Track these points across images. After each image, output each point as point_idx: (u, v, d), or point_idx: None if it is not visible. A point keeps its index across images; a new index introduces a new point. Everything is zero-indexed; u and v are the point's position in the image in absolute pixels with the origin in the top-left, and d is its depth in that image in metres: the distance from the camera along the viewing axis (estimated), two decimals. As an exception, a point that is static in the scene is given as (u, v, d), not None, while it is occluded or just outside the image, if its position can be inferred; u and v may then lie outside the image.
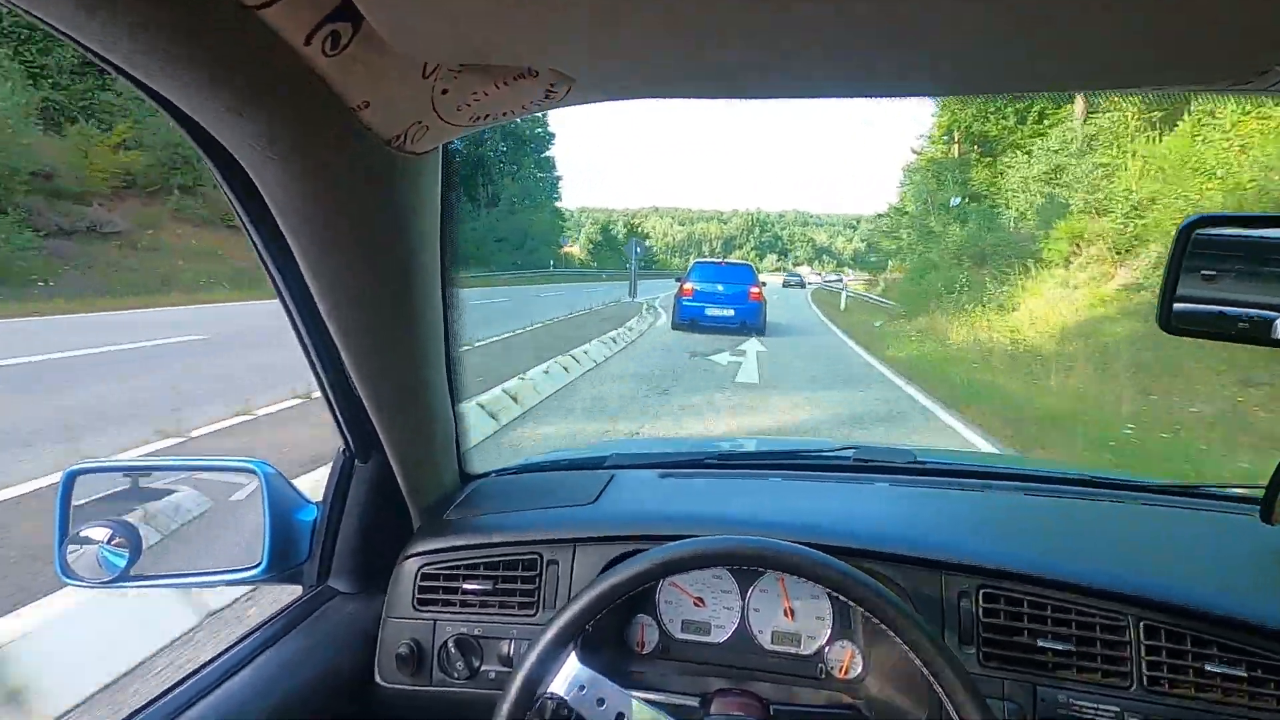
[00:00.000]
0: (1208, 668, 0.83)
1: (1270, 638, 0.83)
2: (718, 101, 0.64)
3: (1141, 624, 0.86)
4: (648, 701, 0.75)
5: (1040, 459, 5.45)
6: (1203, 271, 0.84)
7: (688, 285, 14.06)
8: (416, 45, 0.53)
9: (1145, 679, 0.85)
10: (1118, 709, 0.84)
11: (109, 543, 0.86)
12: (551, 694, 0.73)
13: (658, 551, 0.77)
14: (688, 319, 13.84)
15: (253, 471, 0.93)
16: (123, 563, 0.86)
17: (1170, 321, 0.84)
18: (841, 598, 0.74)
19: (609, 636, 1.02)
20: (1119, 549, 1.00)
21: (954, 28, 0.47)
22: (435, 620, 1.00)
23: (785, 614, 1.00)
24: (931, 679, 0.68)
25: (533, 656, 0.73)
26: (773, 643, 1.00)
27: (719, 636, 1.01)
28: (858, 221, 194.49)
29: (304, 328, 0.82)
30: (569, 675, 0.74)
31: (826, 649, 0.99)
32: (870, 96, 0.60)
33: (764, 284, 15.01)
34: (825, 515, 1.09)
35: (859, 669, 0.97)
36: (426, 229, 0.77)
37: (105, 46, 0.47)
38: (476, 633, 0.99)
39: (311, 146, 0.60)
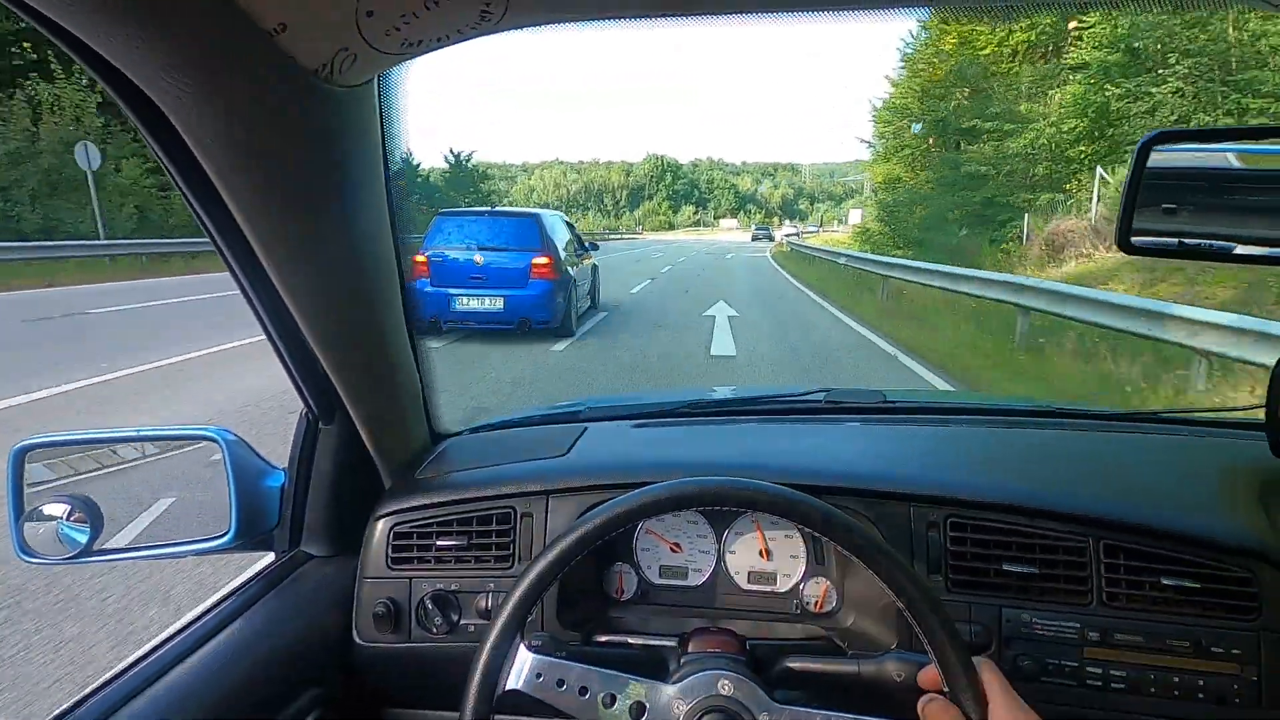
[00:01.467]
0: (1163, 581, 0.88)
1: (1221, 550, 0.88)
2: (664, 27, 0.59)
3: (1101, 544, 0.90)
4: (614, 646, 0.78)
5: (1007, 395, 5.56)
6: (1163, 205, 0.84)
7: (421, 257, 8.49)
8: None
9: (1104, 595, 0.89)
10: (1078, 624, 0.89)
11: (68, 518, 0.86)
12: (510, 690, 0.72)
13: (617, 502, 0.75)
14: (428, 319, 8.23)
15: (213, 439, 0.93)
16: (84, 538, 0.86)
17: (1129, 242, 0.83)
18: (812, 532, 0.74)
19: (588, 586, 1.03)
20: (1082, 475, 1.04)
21: None
22: (411, 578, 1.02)
23: (761, 554, 1.03)
24: (902, 606, 0.68)
25: (484, 656, 0.71)
26: (749, 582, 1.03)
27: (696, 580, 1.04)
28: (775, 170, 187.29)
29: (249, 286, 0.80)
30: (521, 667, 0.73)
31: (802, 585, 1.01)
32: (847, 11, 0.56)
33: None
34: (796, 455, 1.12)
35: (834, 603, 1.00)
36: (368, 170, 0.73)
37: None
38: (454, 588, 1.01)
39: (229, 78, 0.56)
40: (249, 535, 0.96)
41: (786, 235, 53.10)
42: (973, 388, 6.14)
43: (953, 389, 6.07)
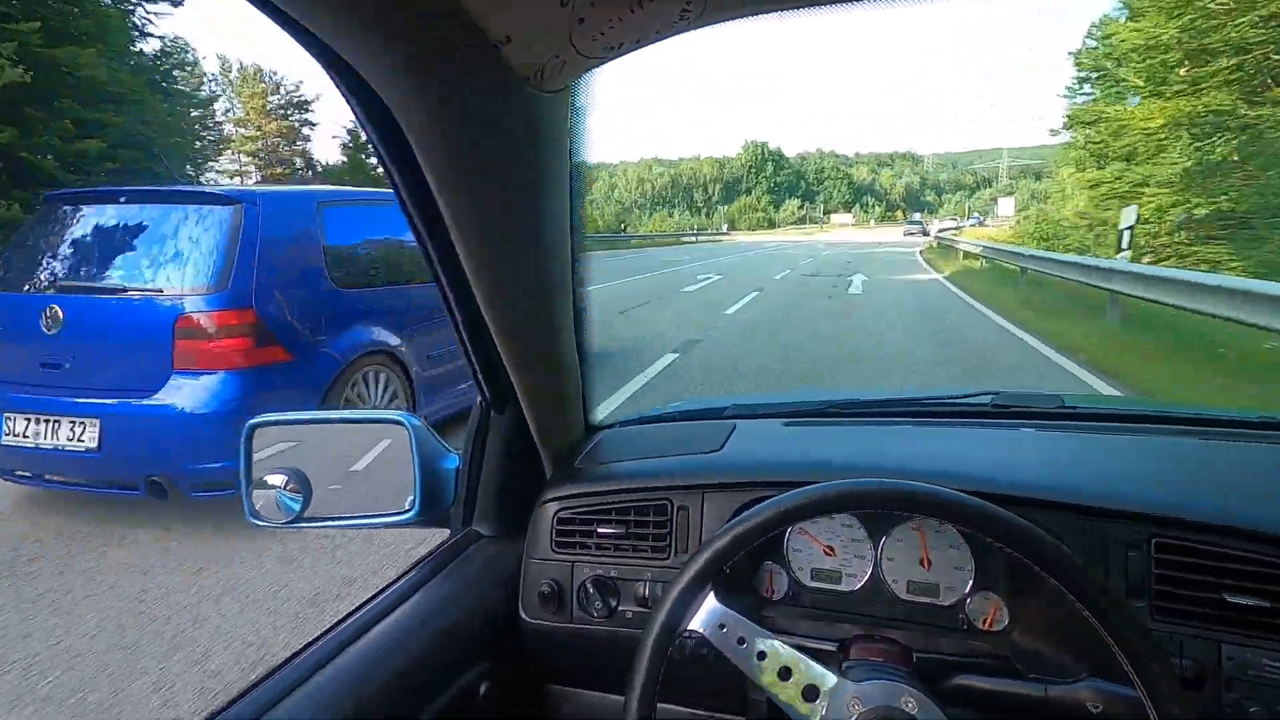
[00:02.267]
0: None
1: None
2: (860, 11, 0.58)
3: None
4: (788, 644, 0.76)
5: (1206, 403, 4.97)
6: None
7: None
8: None
9: None
10: None
11: (285, 488, 0.98)
12: (691, 632, 0.75)
13: (801, 492, 0.76)
14: None
15: (400, 424, 1.03)
16: (298, 506, 0.98)
17: None
18: (998, 545, 0.71)
19: (740, 582, 1.04)
20: None
21: None
22: (573, 562, 1.07)
23: (922, 563, 0.98)
24: (1104, 631, 0.64)
25: (674, 594, 0.75)
26: (908, 592, 0.98)
27: (850, 585, 1.00)
28: (892, 159, 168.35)
29: (444, 277, 0.86)
30: (708, 614, 0.76)
31: (968, 600, 0.95)
32: None
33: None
34: (966, 461, 1.05)
35: (1004, 621, 0.93)
36: (558, 170, 0.77)
37: None
38: (612, 574, 1.05)
39: (455, 85, 0.61)
40: (429, 512, 1.04)
41: (940, 232, 43.89)
42: None
43: (1141, 396, 5.43)
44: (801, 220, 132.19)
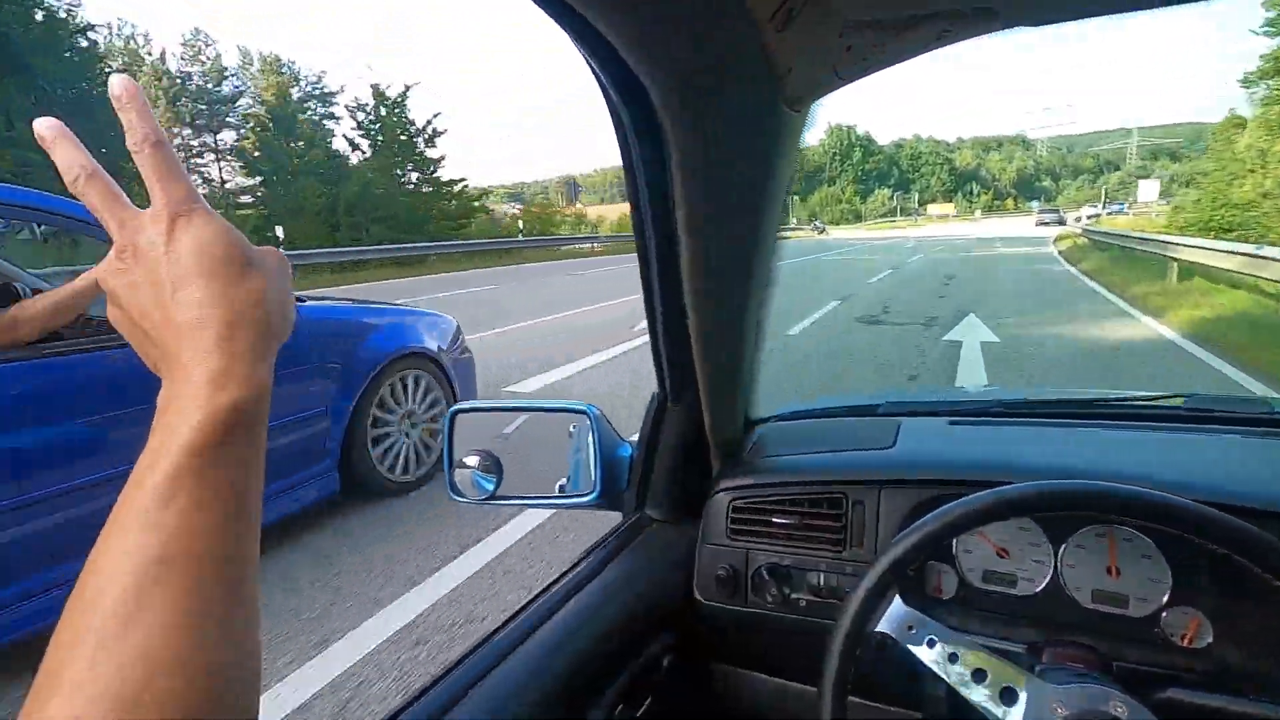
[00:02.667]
0: None
1: None
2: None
3: None
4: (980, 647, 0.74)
5: None
6: None
7: None
8: (844, 6, 0.53)
9: None
10: None
11: (480, 469, 1.05)
12: (879, 632, 0.76)
13: (1003, 491, 0.74)
14: None
15: (584, 413, 1.08)
16: (491, 485, 1.05)
17: None
18: (1222, 552, 0.67)
19: (907, 581, 1.01)
20: None
21: None
22: (748, 549, 1.10)
23: (1109, 572, 0.92)
24: None
25: (861, 594, 0.76)
26: (1092, 601, 0.93)
27: (1026, 589, 0.97)
28: (999, 144, 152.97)
29: (656, 273, 0.89)
30: (895, 615, 0.76)
31: (1164, 613, 0.89)
32: None
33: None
34: (1160, 466, 1.00)
35: (1207, 638, 0.87)
36: (780, 184, 0.79)
37: None
38: (787, 563, 1.07)
39: (729, 105, 0.64)
40: (607, 495, 1.10)
41: (1087, 220, 39.50)
42: None
43: None
44: (890, 212, 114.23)
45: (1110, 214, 44.40)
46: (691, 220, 0.77)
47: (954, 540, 1.02)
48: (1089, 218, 39.75)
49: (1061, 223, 42.63)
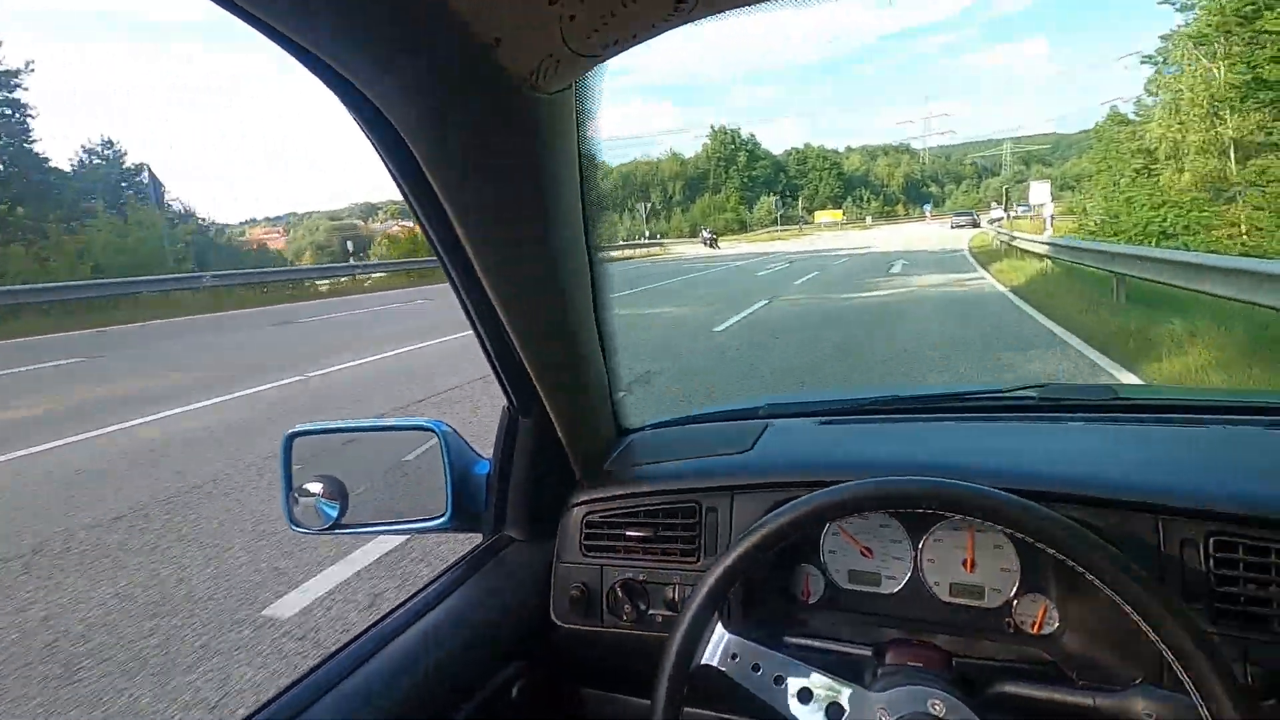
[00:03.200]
0: None
1: None
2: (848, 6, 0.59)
3: None
4: (803, 650, 0.77)
5: (1268, 389, 4.58)
6: None
7: None
8: None
9: None
10: None
11: (324, 496, 1.01)
12: (706, 665, 0.76)
13: (812, 497, 0.75)
14: None
15: (431, 430, 1.05)
16: (335, 513, 1.01)
17: None
18: (1039, 545, 0.69)
19: (773, 586, 1.05)
20: None
21: None
22: (603, 565, 1.09)
23: (965, 565, 0.96)
24: (1157, 639, 0.62)
25: (689, 614, 0.75)
26: (951, 595, 0.96)
27: (890, 587, 0.99)
28: (885, 152, 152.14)
29: (464, 289, 0.87)
30: (717, 644, 0.76)
31: (1014, 602, 0.93)
32: None
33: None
34: (1010, 456, 1.03)
35: (1054, 624, 0.91)
36: (566, 172, 0.78)
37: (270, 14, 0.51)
38: (641, 577, 1.07)
39: (454, 94, 0.62)
40: (461, 518, 1.07)
41: (994, 223, 37.50)
42: None
43: (1199, 384, 4.96)
44: (777, 221, 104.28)
45: (1016, 216, 43.23)
46: (473, 229, 0.76)
47: (820, 541, 1.04)
48: (995, 220, 40.40)
49: (975, 225, 43.79)
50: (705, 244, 45.00)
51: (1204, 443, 1.05)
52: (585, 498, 1.12)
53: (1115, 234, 17.99)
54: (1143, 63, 24.73)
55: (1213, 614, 0.79)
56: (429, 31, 0.55)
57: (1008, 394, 1.33)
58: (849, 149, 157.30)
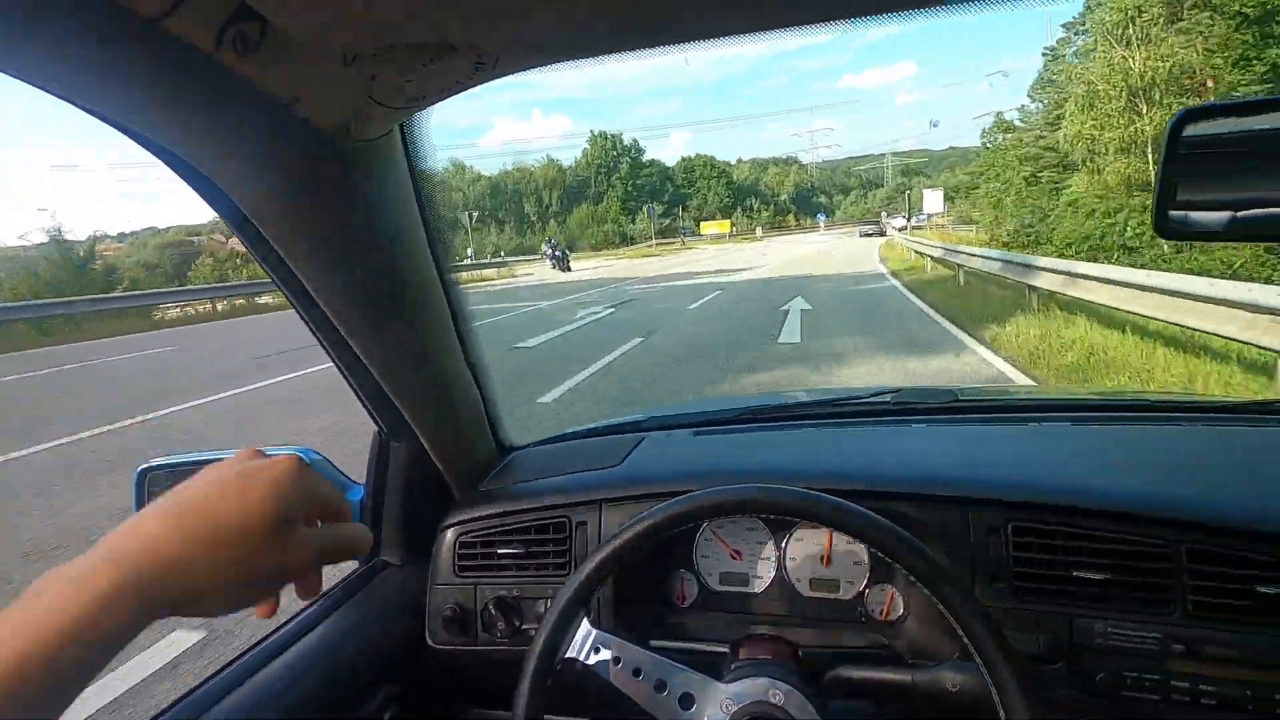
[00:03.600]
0: (1257, 589, 0.82)
1: None
2: (642, 58, 0.62)
3: (1184, 548, 0.84)
4: (669, 651, 0.80)
5: (1095, 388, 5.02)
6: (1197, 171, 0.80)
7: None
8: (325, 36, 0.55)
9: (1190, 604, 0.84)
10: (1160, 635, 0.84)
11: None
12: (569, 658, 0.79)
13: (642, 517, 0.80)
14: None
15: (298, 459, 1.02)
16: None
17: (1165, 225, 0.81)
18: (846, 535, 0.76)
19: (650, 591, 1.09)
20: (1169, 474, 0.99)
21: None
22: (476, 584, 1.09)
23: (822, 560, 1.03)
24: (946, 611, 0.69)
25: (549, 623, 0.78)
26: (811, 590, 1.04)
27: (758, 586, 1.06)
28: (774, 164, 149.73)
29: (312, 322, 0.87)
30: (583, 639, 0.79)
31: (866, 592, 1.01)
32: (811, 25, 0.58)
33: None
34: (857, 459, 1.13)
35: (899, 611, 1.00)
36: (403, 213, 0.81)
37: (91, 100, 0.54)
38: (515, 594, 1.08)
39: (259, 151, 0.64)
40: None
41: (897, 232, 35.74)
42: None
43: (1030, 384, 5.36)
44: (663, 233, 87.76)
45: (918, 224, 41.83)
46: (309, 267, 0.78)
47: (694, 546, 1.09)
48: (899, 229, 38.13)
49: (882, 234, 42.19)
50: (553, 265, 32.49)
51: (1023, 440, 1.18)
52: (458, 518, 1.12)
53: (1035, 245, 16.51)
54: (1044, 55, 23.81)
55: (1013, 591, 0.90)
56: (217, 91, 0.57)
57: (866, 399, 1.43)
58: (739, 160, 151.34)
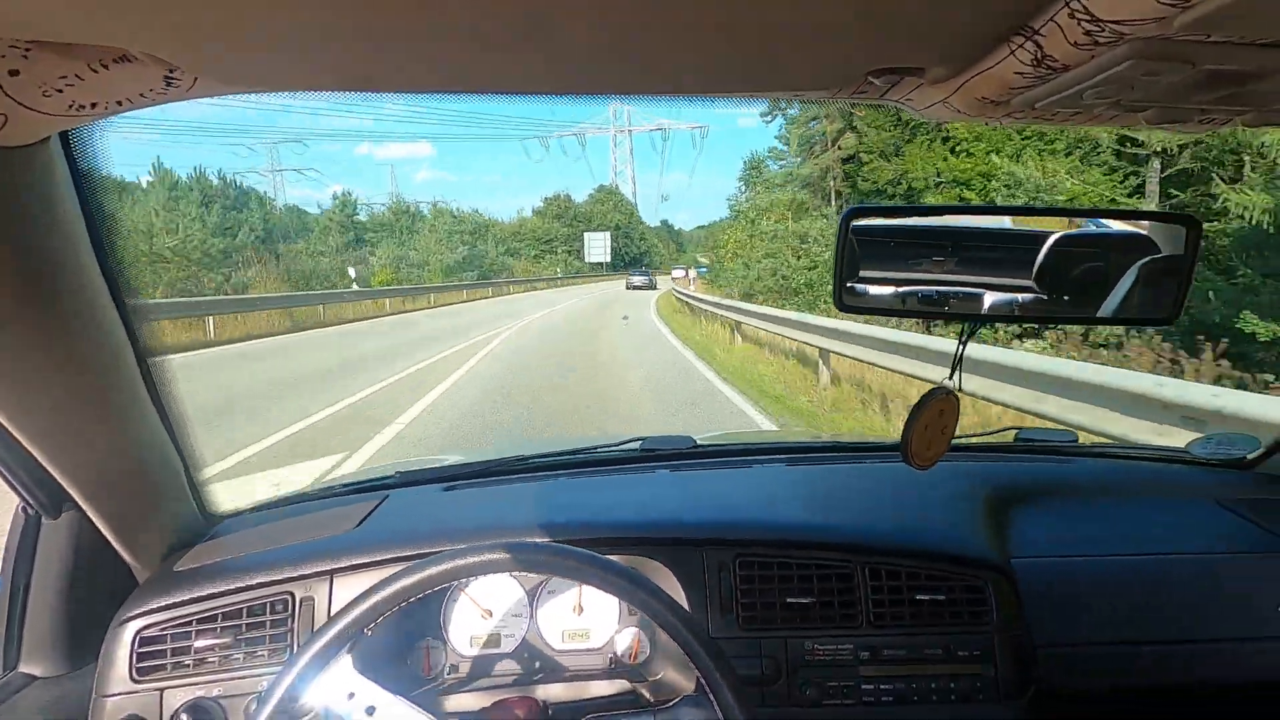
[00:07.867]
0: (917, 597, 1.02)
1: (956, 563, 1.05)
2: (357, 100, 0.63)
3: (865, 568, 1.03)
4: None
5: (808, 430, 5.86)
6: (865, 255, 0.92)
7: None
8: None
9: (872, 615, 1.01)
10: (852, 646, 1.00)
11: None
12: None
13: (378, 587, 0.76)
14: None
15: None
16: None
17: (844, 301, 0.92)
18: (602, 590, 0.79)
19: (389, 666, 1.00)
20: (848, 506, 1.19)
21: (568, 27, 0.50)
22: (162, 689, 0.92)
23: (575, 609, 1.06)
24: (681, 647, 0.75)
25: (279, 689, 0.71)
26: (563, 641, 1.05)
27: (509, 645, 1.05)
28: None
29: None
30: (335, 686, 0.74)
31: (616, 637, 1.06)
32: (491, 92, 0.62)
33: None
34: (605, 509, 1.18)
35: (646, 652, 1.06)
36: (66, 234, 0.69)
37: None
38: (216, 694, 0.92)
39: None
40: None
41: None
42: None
43: (767, 429, 6.01)
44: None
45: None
46: None
47: (440, 612, 1.04)
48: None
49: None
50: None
51: (746, 481, 1.35)
52: (141, 609, 0.94)
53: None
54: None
55: (740, 621, 1.02)
56: None
57: (616, 447, 1.50)
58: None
